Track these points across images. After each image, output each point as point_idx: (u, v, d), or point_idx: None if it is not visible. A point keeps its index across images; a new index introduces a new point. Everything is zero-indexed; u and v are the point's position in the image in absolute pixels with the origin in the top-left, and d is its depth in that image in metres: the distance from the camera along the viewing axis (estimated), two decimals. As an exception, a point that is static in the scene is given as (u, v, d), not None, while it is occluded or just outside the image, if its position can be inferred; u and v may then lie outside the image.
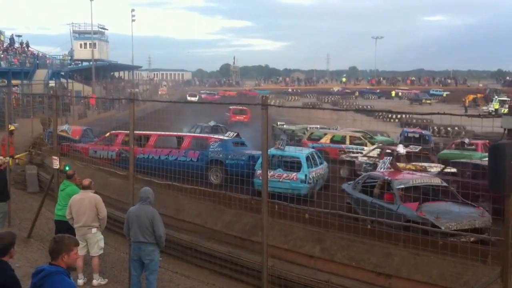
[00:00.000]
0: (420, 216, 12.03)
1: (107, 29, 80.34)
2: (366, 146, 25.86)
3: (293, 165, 17.41)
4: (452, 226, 11.62)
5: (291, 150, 18.93)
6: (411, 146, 22.46)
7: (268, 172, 16.07)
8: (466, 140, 24.94)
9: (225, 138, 20.50)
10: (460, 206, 12.57)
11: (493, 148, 6.57)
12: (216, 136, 20.82)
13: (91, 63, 65.95)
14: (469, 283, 8.58)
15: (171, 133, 23.95)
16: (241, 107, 41.79)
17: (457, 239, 10.48)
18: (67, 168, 12.35)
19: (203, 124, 30.16)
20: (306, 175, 17.24)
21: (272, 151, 17.67)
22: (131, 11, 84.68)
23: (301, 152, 18.83)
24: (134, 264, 9.15)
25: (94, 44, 70.20)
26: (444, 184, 13.98)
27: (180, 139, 21.24)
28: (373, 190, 14.12)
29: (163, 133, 22.80)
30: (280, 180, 16.84)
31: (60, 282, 4.98)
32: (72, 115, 35.50)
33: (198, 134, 22.87)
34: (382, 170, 16.76)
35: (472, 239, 10.84)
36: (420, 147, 22.52)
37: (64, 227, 10.08)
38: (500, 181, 6.38)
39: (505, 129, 6.55)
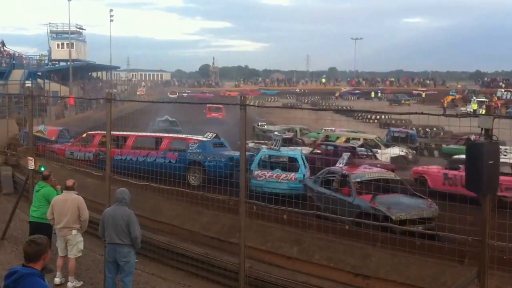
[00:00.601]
0: (373, 207, 12.94)
1: (84, 29, 79.70)
2: (380, 148, 25.27)
3: (291, 165, 17.97)
4: (402, 216, 12.58)
5: (285, 150, 19.42)
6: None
7: (266, 172, 17.48)
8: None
9: (204, 139, 20.32)
10: (410, 198, 13.84)
11: (470, 148, 6.58)
12: (195, 137, 20.61)
13: (68, 63, 65.31)
14: (447, 283, 8.60)
15: (149, 134, 23.73)
16: (216, 106, 45.62)
17: (407, 227, 11.61)
18: (42, 169, 12.16)
19: (159, 119, 31.54)
20: (304, 175, 17.20)
21: (267, 151, 18.83)
22: (110, 11, 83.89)
23: (298, 152, 19.24)
24: (109, 266, 9.01)
25: (72, 44, 69.59)
26: (398, 178, 15.00)
27: (158, 140, 20.99)
28: (332, 184, 14.94)
29: (141, 134, 22.56)
30: (279, 180, 17.07)
31: (34, 284, 4.86)
32: (48, 115, 35.01)
33: (177, 135, 22.55)
34: (341, 165, 17.43)
35: (420, 228, 11.89)
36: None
37: (38, 229, 9.91)
38: (477, 181, 6.39)
39: (482, 129, 6.55)
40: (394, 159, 22.84)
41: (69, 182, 10.44)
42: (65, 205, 10.05)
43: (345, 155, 18.98)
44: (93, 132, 21.10)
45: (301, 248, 10.31)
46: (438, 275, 8.80)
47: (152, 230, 12.18)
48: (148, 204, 13.22)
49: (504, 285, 8.47)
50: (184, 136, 21.92)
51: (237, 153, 16.97)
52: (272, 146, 18.96)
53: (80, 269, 10.60)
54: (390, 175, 15.26)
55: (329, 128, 30.86)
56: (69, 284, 9.95)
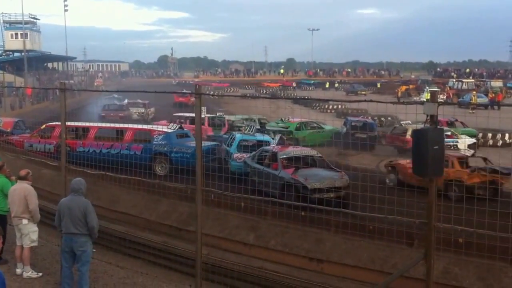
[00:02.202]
0: (293, 178, 15.16)
1: (39, 19, 78.26)
2: (459, 138, 25.12)
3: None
4: (316, 185, 14.83)
5: (259, 135, 21.70)
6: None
7: (245, 154, 18.64)
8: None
9: (169, 130, 20.28)
10: (326, 171, 16.12)
11: (416, 134, 6.84)
12: (159, 129, 20.56)
13: (23, 54, 63.93)
14: (397, 265, 8.91)
15: (112, 125, 23.39)
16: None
17: (321, 195, 13.72)
18: (-5, 160, 12.00)
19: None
20: None
21: (244, 136, 21.28)
22: (64, 1, 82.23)
23: (268, 137, 21.61)
24: (65, 255, 9.01)
25: (26, 34, 68.16)
26: (319, 155, 17.26)
27: (121, 131, 20.79)
28: (264, 160, 17.21)
29: (103, 125, 22.27)
30: None
31: None
32: (3, 106, 34.35)
33: (140, 127, 22.32)
34: (273, 145, 19.52)
35: (332, 195, 14.22)
36: None
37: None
38: (423, 165, 6.65)
39: (427, 115, 6.81)
40: None
41: (22, 172, 10.36)
42: (15, 194, 10.02)
43: (277, 137, 21.46)
44: (52, 123, 20.63)
45: (257, 234, 10.51)
46: (389, 258, 9.13)
47: (110, 220, 12.20)
48: (105, 194, 13.20)
49: (450, 266, 8.85)
50: (148, 127, 21.80)
51: (204, 144, 17.43)
52: (246, 132, 21.61)
53: (36, 259, 10.55)
54: (312, 153, 17.58)
55: (286, 118, 31.29)
56: (24, 273, 9.92)
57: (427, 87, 64.48)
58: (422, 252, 7.14)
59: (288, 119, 30.65)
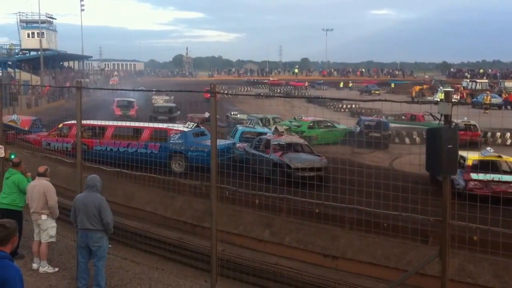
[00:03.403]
0: (280, 159, 18.03)
1: (55, 19, 78.67)
2: None
3: None
4: (298, 165, 17.55)
5: (259, 128, 25.95)
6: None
7: (244, 144, 21.67)
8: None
9: (185, 129, 20.37)
10: (308, 155, 19.14)
11: (430, 132, 6.84)
12: (176, 128, 20.65)
13: (39, 52, 64.45)
14: (412, 263, 8.90)
15: (129, 124, 23.49)
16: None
17: (303, 173, 16.22)
18: (12, 157, 12.15)
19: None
20: None
21: (245, 128, 25.56)
22: (80, 1, 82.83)
23: (267, 130, 25.26)
24: (81, 251, 9.11)
25: (42, 33, 68.70)
26: (305, 143, 21.06)
27: (139, 130, 20.89)
28: (260, 147, 20.08)
29: (120, 124, 22.37)
30: None
31: (6, 267, 4.95)
32: (20, 104, 34.68)
33: (157, 126, 22.39)
34: (269, 134, 22.68)
35: (312, 174, 16.73)
36: None
37: (8, 215, 9.94)
38: (437, 163, 6.66)
39: (441, 115, 6.82)
40: None
41: (41, 169, 10.51)
42: (34, 190, 10.16)
43: (273, 128, 24.78)
44: (69, 122, 20.62)
45: (272, 231, 10.55)
46: (404, 255, 9.12)
47: (125, 216, 12.31)
48: (121, 191, 13.32)
49: (465, 263, 8.83)
50: (165, 126, 21.87)
51: (221, 142, 17.74)
52: (247, 125, 26.17)
53: (53, 255, 10.66)
54: (300, 141, 21.06)
55: (299, 116, 31.45)
56: (40, 268, 10.04)
57: (441, 87, 64.21)
58: (437, 249, 7.13)
59: (301, 118, 30.69)
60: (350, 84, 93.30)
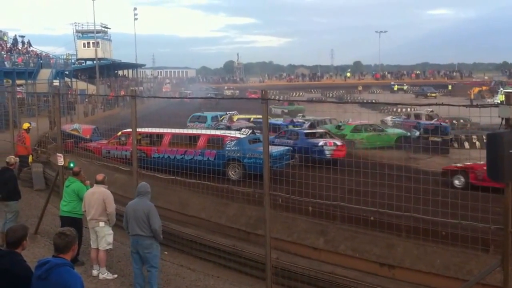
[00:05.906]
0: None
1: (109, 28, 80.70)
2: None
3: None
4: None
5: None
6: None
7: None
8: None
9: (241, 136, 20.49)
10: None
11: (491, 137, 6.61)
12: (232, 135, 20.77)
13: (94, 62, 66.15)
14: (473, 272, 8.63)
15: (186, 131, 23.75)
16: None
17: None
18: (71, 165, 12.46)
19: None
20: None
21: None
22: (134, 10, 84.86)
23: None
24: (134, 256, 9.31)
25: (97, 43, 70.57)
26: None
27: (195, 138, 21.10)
28: None
29: (177, 131, 22.62)
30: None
31: (67, 273, 5.07)
32: (77, 113, 35.60)
33: (213, 133, 22.56)
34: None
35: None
36: None
37: (69, 222, 10.21)
38: (499, 169, 6.43)
39: (502, 119, 6.59)
40: None
41: (99, 177, 10.76)
42: (93, 198, 10.42)
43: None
44: (127, 130, 20.95)
45: (326, 239, 10.43)
46: (463, 264, 8.85)
47: (180, 223, 12.43)
48: (175, 198, 13.46)
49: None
50: (221, 133, 22.02)
51: (275, 149, 18.40)
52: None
53: (112, 261, 10.89)
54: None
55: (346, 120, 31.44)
56: (100, 275, 10.27)
57: (501, 89, 62.28)
58: (499, 258, 6.90)
59: (347, 122, 30.41)
60: (405, 87, 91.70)
